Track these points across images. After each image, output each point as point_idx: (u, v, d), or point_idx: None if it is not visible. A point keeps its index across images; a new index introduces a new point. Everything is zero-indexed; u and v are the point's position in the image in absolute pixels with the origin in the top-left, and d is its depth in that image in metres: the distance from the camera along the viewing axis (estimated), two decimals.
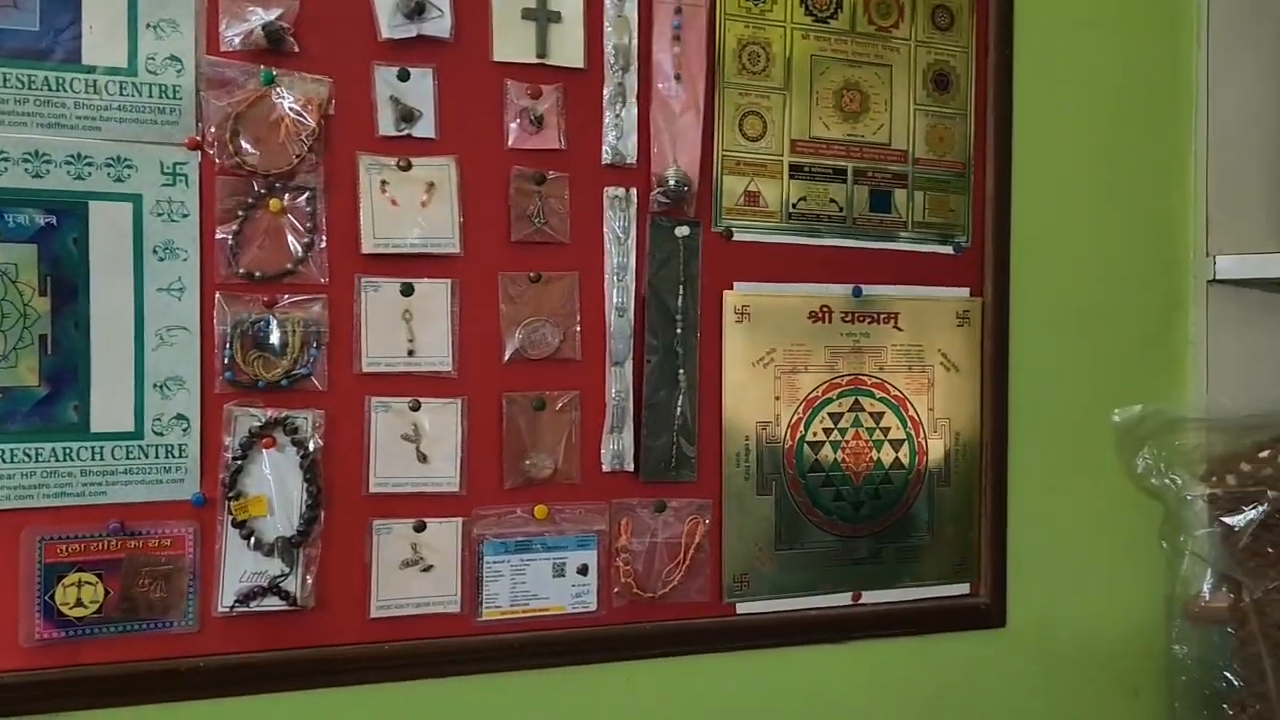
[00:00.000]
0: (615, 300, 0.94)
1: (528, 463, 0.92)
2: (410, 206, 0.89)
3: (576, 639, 0.94)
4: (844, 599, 1.03)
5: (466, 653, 0.91)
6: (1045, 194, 1.10)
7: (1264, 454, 1.09)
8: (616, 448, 0.95)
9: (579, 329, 0.93)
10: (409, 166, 0.89)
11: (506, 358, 0.92)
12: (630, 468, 0.95)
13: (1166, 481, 1.11)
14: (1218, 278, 1.14)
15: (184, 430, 0.84)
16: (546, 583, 0.93)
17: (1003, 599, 1.09)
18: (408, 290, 0.89)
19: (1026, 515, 1.09)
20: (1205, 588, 1.12)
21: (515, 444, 0.92)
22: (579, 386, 0.94)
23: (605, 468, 0.95)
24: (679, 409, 0.96)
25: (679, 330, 0.96)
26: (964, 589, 1.08)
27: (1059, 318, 1.11)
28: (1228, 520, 1.08)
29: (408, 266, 0.89)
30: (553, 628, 0.93)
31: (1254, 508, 1.07)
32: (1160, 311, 1.15)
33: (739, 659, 1.00)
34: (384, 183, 0.88)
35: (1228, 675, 1.09)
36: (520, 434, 0.92)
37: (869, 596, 1.04)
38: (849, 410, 1.03)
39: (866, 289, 1.03)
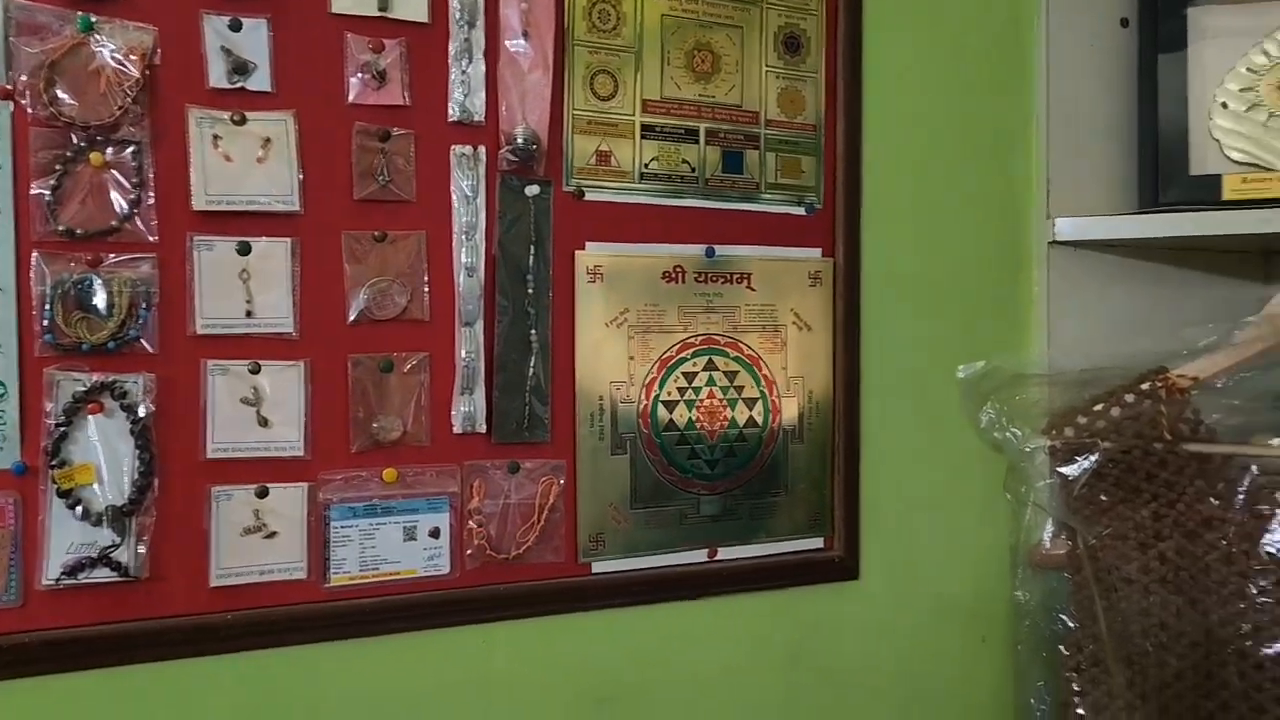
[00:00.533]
0: (464, 260, 0.93)
1: (375, 425, 0.91)
2: (246, 162, 0.86)
3: (429, 602, 0.93)
4: (700, 556, 1.04)
5: (314, 620, 0.89)
6: (895, 157, 1.12)
7: (1098, 407, 1.14)
8: (468, 409, 0.94)
9: (427, 289, 0.92)
10: (243, 121, 0.85)
11: (352, 319, 0.90)
12: (482, 429, 0.95)
13: (1009, 435, 1.15)
14: (1057, 239, 1.19)
15: (0, 396, 0.79)
16: (397, 547, 0.92)
17: (856, 552, 1.12)
18: (244, 249, 0.86)
19: (878, 470, 1.13)
20: (1045, 536, 1.18)
21: (362, 406, 0.90)
22: (428, 348, 0.92)
23: (456, 429, 0.94)
24: (531, 370, 0.96)
25: (530, 290, 0.96)
26: (818, 543, 1.10)
27: (908, 278, 1.14)
28: (1064, 471, 1.13)
29: (244, 225, 0.86)
30: (404, 592, 0.92)
31: (1087, 458, 1.12)
32: (1005, 271, 1.20)
33: (595, 618, 1.00)
34: (216, 137, 0.85)
35: (1064, 618, 1.14)
36: (367, 396, 0.90)
37: (725, 553, 1.05)
38: (703, 370, 1.04)
39: (719, 249, 1.04)
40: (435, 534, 0.93)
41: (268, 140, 0.86)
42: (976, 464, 1.19)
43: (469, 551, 0.94)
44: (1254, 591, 1.08)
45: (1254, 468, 1.09)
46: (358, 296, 0.90)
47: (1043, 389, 1.17)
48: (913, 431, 1.15)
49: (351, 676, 0.91)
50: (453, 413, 0.93)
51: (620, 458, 1.00)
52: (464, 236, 0.93)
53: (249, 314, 0.86)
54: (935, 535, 1.17)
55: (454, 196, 0.93)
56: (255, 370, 0.87)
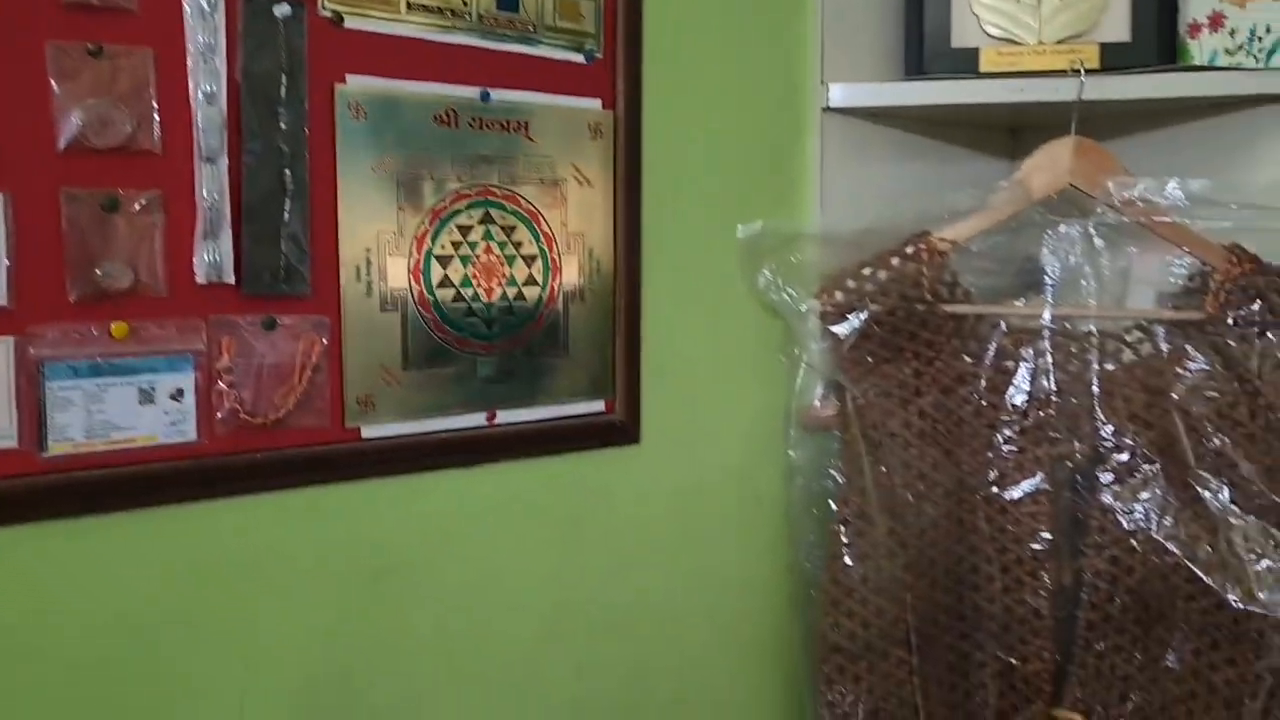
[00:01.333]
0: (202, 85, 0.82)
1: (99, 272, 0.79)
2: None
3: (175, 472, 0.83)
4: (479, 420, 0.99)
5: (31, 496, 0.77)
6: (676, 9, 1.09)
7: (866, 271, 1.17)
8: (212, 257, 0.83)
9: (157, 116, 0.80)
10: None
11: (63, 146, 0.77)
12: (230, 280, 0.84)
13: (785, 296, 1.17)
14: (830, 105, 1.20)
15: None
16: (132, 410, 0.81)
17: (637, 416, 1.10)
18: None
19: (659, 332, 1.11)
20: (816, 397, 1.21)
21: (81, 250, 0.78)
22: (161, 184, 0.81)
23: (200, 279, 0.83)
24: (287, 215, 0.86)
25: (284, 126, 0.86)
26: (599, 406, 1.08)
27: (689, 136, 1.12)
28: (835, 330, 1.16)
29: None
30: (143, 461, 0.82)
31: (857, 318, 1.15)
32: (783, 134, 1.20)
33: (367, 487, 0.94)
34: None
35: (833, 474, 1.19)
36: (86, 238, 0.78)
37: (504, 416, 1.01)
38: (479, 223, 0.97)
39: (495, 94, 0.97)
40: (178, 396, 0.83)
41: None
42: (754, 326, 1.20)
43: (219, 416, 0.85)
44: (1000, 441, 1.16)
45: (1002, 325, 1.16)
46: (69, 120, 0.76)
47: (817, 250, 1.19)
48: (694, 293, 1.14)
49: (81, 561, 0.80)
50: (195, 260, 0.82)
51: (390, 315, 0.93)
52: (201, 58, 0.81)
53: None
54: (715, 398, 1.18)
55: (187, 9, 0.80)
56: None
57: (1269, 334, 1.07)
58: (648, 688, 1.15)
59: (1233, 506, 1.07)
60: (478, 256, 0.97)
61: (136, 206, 0.80)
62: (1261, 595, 1.05)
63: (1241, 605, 1.05)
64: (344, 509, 0.92)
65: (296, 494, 0.90)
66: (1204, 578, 1.06)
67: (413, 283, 0.94)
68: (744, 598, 1.22)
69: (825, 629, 1.17)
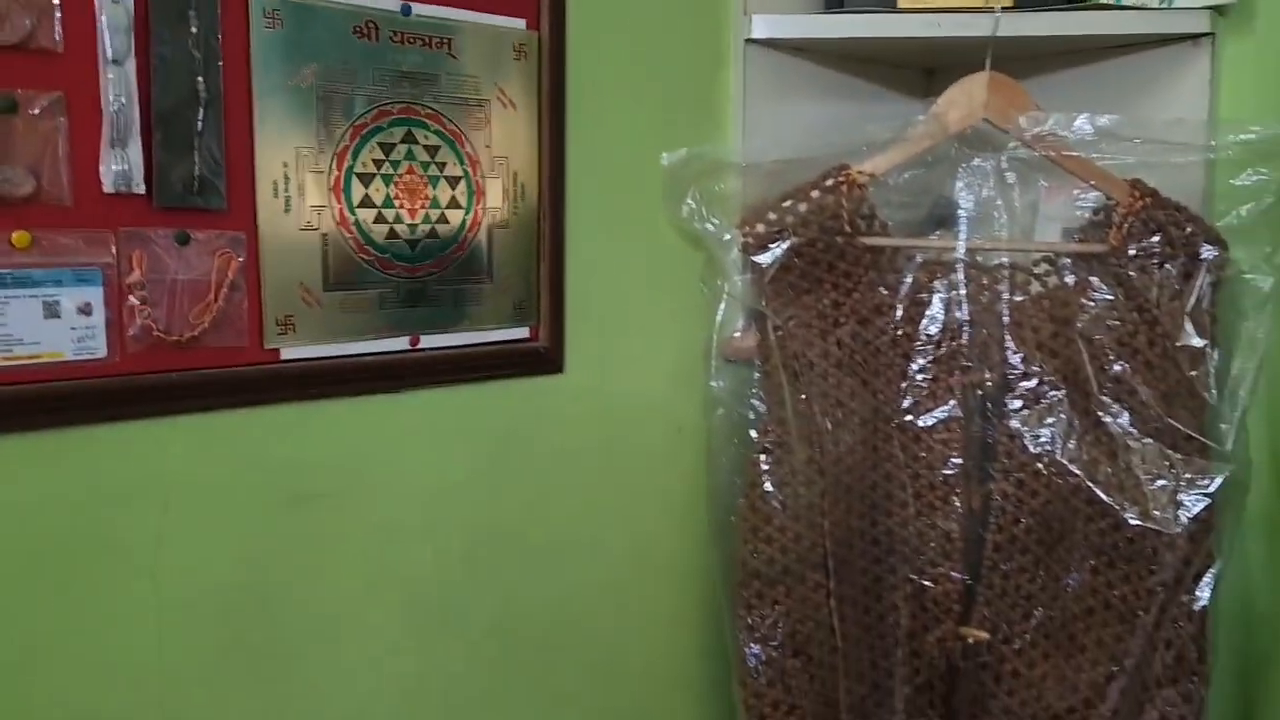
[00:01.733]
0: None
1: None
2: None
3: (85, 391, 0.80)
4: (401, 344, 0.98)
5: None
6: None
7: (787, 203, 1.18)
8: (121, 166, 0.80)
9: (59, 14, 0.76)
10: None
11: None
12: (141, 190, 0.81)
13: (708, 225, 1.17)
14: (753, 37, 1.21)
15: None
16: (37, 325, 0.77)
17: (561, 343, 1.10)
18: None
19: (584, 259, 1.10)
20: (738, 326, 1.22)
21: None
22: (63, 86, 0.77)
23: (108, 189, 0.79)
24: (200, 124, 0.83)
25: (194, 29, 0.82)
26: (523, 333, 1.07)
27: (615, 60, 1.11)
28: (757, 260, 1.17)
29: None
30: (49, 379, 0.78)
31: (779, 248, 1.16)
32: (707, 63, 1.19)
33: (287, 411, 0.91)
34: None
35: (754, 404, 1.20)
36: None
37: (427, 341, 1.00)
38: (401, 142, 0.95)
39: (416, 8, 0.94)
40: (86, 311, 0.79)
41: None
42: (678, 255, 1.20)
43: (131, 333, 0.81)
44: (914, 370, 1.19)
45: (918, 257, 1.19)
46: None
47: (739, 180, 1.19)
48: (618, 221, 1.14)
49: None
50: (102, 168, 0.79)
51: (310, 233, 0.90)
52: None
53: None
54: (638, 327, 1.18)
55: None
56: None
57: (1167, 265, 1.12)
58: (570, 614, 1.16)
59: (1131, 430, 1.12)
60: (400, 176, 0.95)
61: (37, 109, 0.76)
62: (1156, 514, 1.11)
63: (1138, 523, 1.11)
64: (262, 432, 0.90)
65: (213, 416, 0.87)
66: (1104, 498, 1.11)
67: (333, 200, 0.91)
68: (665, 525, 1.24)
69: (745, 555, 1.19)
